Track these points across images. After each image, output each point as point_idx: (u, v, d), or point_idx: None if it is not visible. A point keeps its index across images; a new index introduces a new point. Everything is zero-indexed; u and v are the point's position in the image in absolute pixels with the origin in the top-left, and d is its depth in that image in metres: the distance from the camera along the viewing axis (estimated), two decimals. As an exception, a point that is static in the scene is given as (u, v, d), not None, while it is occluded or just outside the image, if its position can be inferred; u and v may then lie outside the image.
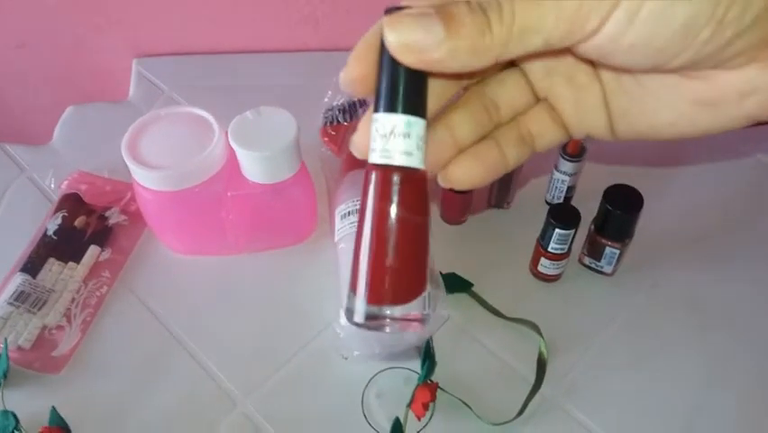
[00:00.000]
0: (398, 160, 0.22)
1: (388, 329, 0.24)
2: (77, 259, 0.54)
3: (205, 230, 0.54)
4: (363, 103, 0.64)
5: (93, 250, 0.55)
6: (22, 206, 0.60)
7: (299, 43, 0.76)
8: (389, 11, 0.21)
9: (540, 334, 0.49)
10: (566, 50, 0.22)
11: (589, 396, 0.48)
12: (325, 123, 0.63)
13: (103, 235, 0.56)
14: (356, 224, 0.50)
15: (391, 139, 0.22)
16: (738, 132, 0.65)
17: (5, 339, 0.48)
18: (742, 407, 0.47)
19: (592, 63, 0.25)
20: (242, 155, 0.48)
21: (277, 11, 0.72)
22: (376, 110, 0.23)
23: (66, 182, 0.60)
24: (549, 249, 0.51)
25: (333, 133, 0.62)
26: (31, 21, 0.72)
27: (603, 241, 0.51)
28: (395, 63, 0.21)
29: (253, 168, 0.49)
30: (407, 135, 0.22)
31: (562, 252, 0.51)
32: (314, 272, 0.54)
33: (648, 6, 0.19)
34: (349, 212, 0.52)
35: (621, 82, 0.25)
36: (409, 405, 0.45)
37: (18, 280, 0.52)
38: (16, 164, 0.64)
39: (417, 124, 0.22)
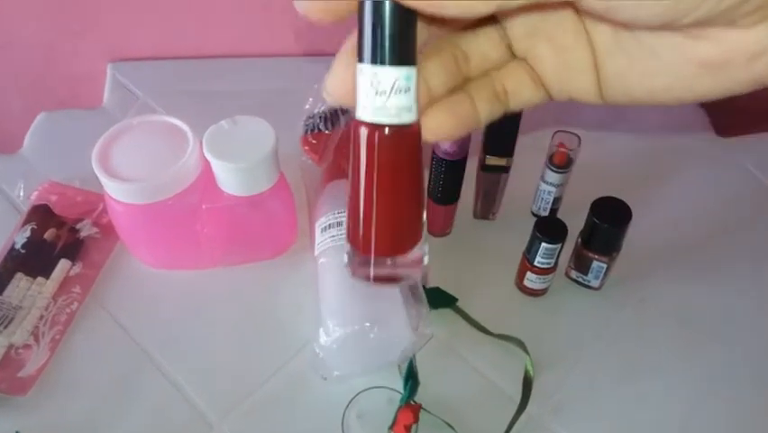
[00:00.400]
0: (403, 117, 0.21)
1: (388, 282, 0.24)
2: (47, 274, 0.52)
3: (180, 243, 0.52)
4: (345, 111, 0.62)
5: (63, 264, 0.53)
6: (-11, 217, 0.58)
7: (280, 48, 0.74)
8: None
9: (526, 351, 0.48)
10: (568, 3, 0.21)
11: (577, 415, 0.47)
12: (306, 131, 0.61)
13: (74, 249, 0.54)
14: (337, 237, 0.48)
15: (392, 96, 0.21)
16: (729, 141, 0.64)
17: (-32, 360, 0.46)
18: (733, 421, 0.46)
19: (582, 22, 0.24)
20: (218, 166, 0.47)
21: (257, 14, 0.70)
22: (370, 61, 0.21)
23: (36, 193, 0.57)
24: (535, 263, 0.50)
25: (313, 141, 0.60)
26: (2, 24, 0.70)
27: (590, 255, 0.50)
28: (391, 9, 0.20)
29: (229, 180, 0.48)
30: (408, 90, 0.21)
31: (549, 266, 0.50)
32: (292, 288, 0.52)
33: None
34: (329, 225, 0.50)
35: (619, 42, 0.23)
36: (391, 427, 0.44)
37: (-17, 296, 0.49)
38: (-16, 173, 0.61)
39: (413, 74, 0.21)
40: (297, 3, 0.21)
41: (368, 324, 0.44)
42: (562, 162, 0.53)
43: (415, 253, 0.24)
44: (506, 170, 0.54)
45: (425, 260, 0.25)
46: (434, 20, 0.22)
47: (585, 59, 0.24)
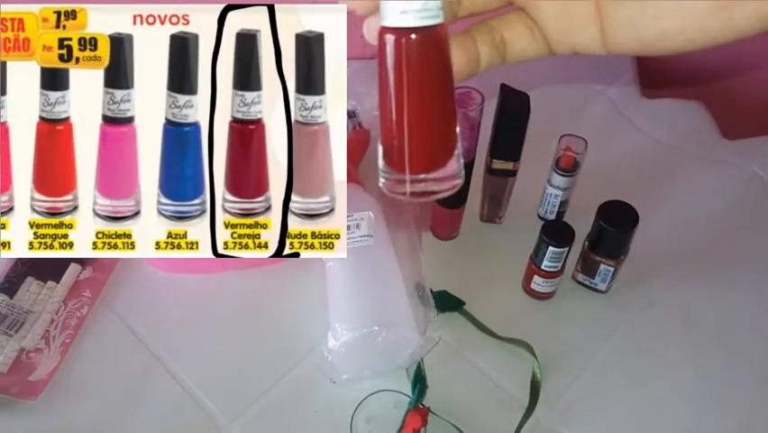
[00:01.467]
0: (432, 18, 0.21)
1: (425, 198, 0.24)
2: (57, 278, 0.53)
3: (189, 248, 0.52)
4: (353, 114, 0.62)
5: (73, 268, 0.53)
6: (0, 221, 0.58)
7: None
8: None
9: (533, 354, 0.48)
10: None
11: (584, 418, 0.47)
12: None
13: (83, 253, 0.55)
14: (348, 242, 0.49)
15: None
16: (735, 144, 0.64)
17: (-20, 364, 0.46)
18: (740, 425, 0.46)
19: None
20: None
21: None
22: None
23: (45, 197, 0.58)
24: (542, 267, 0.50)
25: (321, 145, 0.60)
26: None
27: (597, 258, 0.50)
28: None
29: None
30: None
31: (556, 269, 0.50)
32: (301, 291, 0.53)
33: None
34: (337, 228, 0.50)
35: None
36: (400, 431, 0.44)
37: (-6, 300, 0.50)
38: (-5, 178, 0.62)
39: None
40: None
41: (376, 327, 0.44)
42: (568, 166, 0.54)
43: (449, 168, 0.24)
44: (512, 173, 0.54)
45: (461, 174, 0.24)
46: None
47: (588, 6, 0.24)
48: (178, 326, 0.51)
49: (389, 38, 0.21)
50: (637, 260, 0.53)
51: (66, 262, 0.53)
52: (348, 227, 0.50)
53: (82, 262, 0.54)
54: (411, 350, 0.46)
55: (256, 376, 0.48)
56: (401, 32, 0.21)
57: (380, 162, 0.24)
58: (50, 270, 0.53)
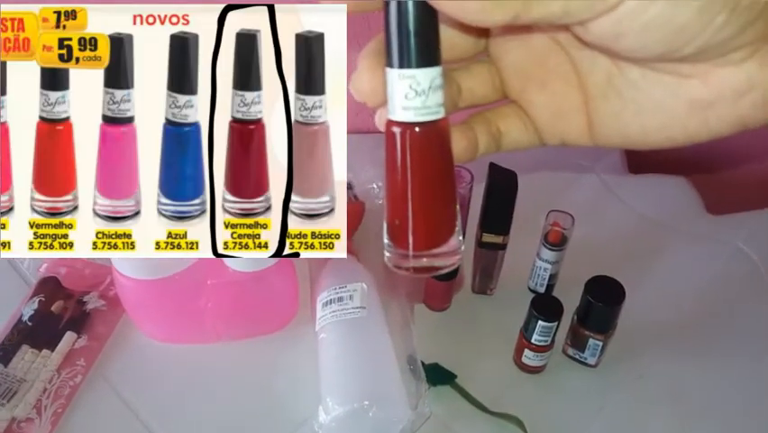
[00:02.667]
0: (438, 114, 0.22)
1: (427, 273, 0.25)
2: (52, 346, 0.53)
3: (184, 318, 0.53)
4: (349, 187, 0.64)
5: (69, 336, 0.54)
6: (-2, 288, 0.59)
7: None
8: None
9: (524, 430, 0.48)
10: (571, 33, 0.22)
11: (576, 496, 0.46)
12: (310, 206, 0.63)
13: (80, 321, 0.55)
14: (337, 312, 0.49)
15: (430, 94, 0.22)
16: (719, 219, 0.66)
17: (-30, 434, 0.46)
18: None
19: (572, 66, 0.25)
20: (224, 244, 0.48)
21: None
22: (408, 65, 0.22)
23: (45, 265, 0.59)
24: (532, 340, 0.51)
25: (317, 216, 0.62)
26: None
27: (586, 333, 0.51)
28: (413, 11, 0.21)
29: (235, 256, 0.49)
30: (441, 86, 0.22)
31: (546, 343, 0.51)
32: (293, 363, 0.53)
33: None
34: (330, 300, 0.51)
35: (612, 83, 0.24)
36: (389, 508, 0.44)
37: (-12, 369, 0.50)
38: (-4, 244, 0.63)
39: (441, 72, 0.22)
40: None
41: (367, 402, 0.44)
42: (556, 240, 0.55)
43: (451, 244, 0.25)
44: (502, 247, 0.55)
45: (461, 249, 0.25)
46: (455, 25, 0.23)
47: (576, 102, 0.25)
48: (170, 396, 0.51)
49: (395, 130, 0.23)
50: (626, 334, 0.53)
51: (61, 331, 0.54)
52: (341, 299, 0.51)
53: (78, 330, 0.54)
54: (402, 425, 0.46)
55: (246, 450, 0.48)
56: (405, 125, 0.23)
57: (385, 238, 0.25)
58: (45, 338, 0.53)
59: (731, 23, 0.20)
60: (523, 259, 0.59)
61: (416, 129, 0.22)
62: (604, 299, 0.49)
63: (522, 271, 0.59)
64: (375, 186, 0.64)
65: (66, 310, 0.56)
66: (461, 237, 0.25)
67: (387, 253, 0.25)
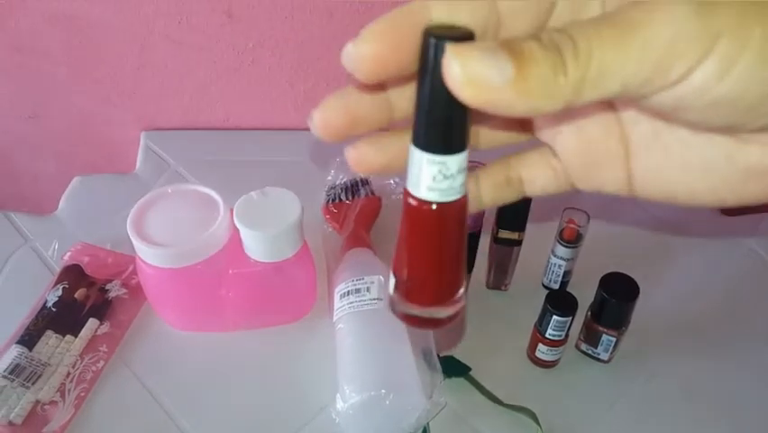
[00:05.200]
0: (458, 193, 0.22)
1: (426, 326, 0.26)
2: (75, 332, 0.54)
3: (205, 306, 0.54)
4: (366, 182, 0.65)
5: (92, 323, 0.55)
6: (23, 275, 0.60)
7: (304, 123, 0.78)
8: (432, 33, 0.19)
9: (537, 422, 0.49)
10: (635, 102, 0.19)
11: (588, 489, 0.47)
12: (328, 200, 0.64)
13: (102, 308, 0.56)
14: (355, 304, 0.50)
15: (457, 177, 0.22)
16: (733, 220, 0.66)
17: (-3, 415, 0.47)
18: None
19: (615, 115, 0.23)
20: (246, 234, 0.49)
21: (284, 92, 0.75)
22: (440, 151, 0.21)
23: (69, 253, 0.60)
24: (546, 335, 0.51)
25: (335, 210, 0.63)
26: (43, 92, 0.74)
27: (600, 328, 0.52)
28: (449, 99, 0.19)
29: (256, 246, 0.50)
30: (466, 169, 0.22)
31: (560, 338, 0.51)
32: (311, 353, 0.54)
33: (746, 58, 0.17)
34: (348, 291, 0.52)
35: (659, 137, 0.22)
36: (405, 495, 0.44)
37: (14, 352, 0.51)
38: (20, 233, 0.65)
39: (467, 155, 0.22)
40: (347, 53, 0.20)
41: (384, 390, 0.45)
42: (571, 238, 0.56)
43: (452, 306, 0.25)
44: (517, 243, 0.56)
45: (462, 302, 0.26)
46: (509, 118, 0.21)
47: (615, 152, 0.23)
48: (190, 383, 0.53)
49: (412, 202, 0.23)
50: (639, 331, 0.54)
51: (84, 318, 0.55)
52: (358, 290, 0.52)
53: (100, 317, 0.56)
54: (418, 414, 0.47)
55: (264, 436, 0.49)
56: (425, 202, 0.23)
57: (391, 289, 0.26)
58: (68, 324, 0.55)
59: None
60: (537, 255, 0.59)
61: (433, 207, 0.23)
62: (618, 295, 0.50)
63: (536, 267, 0.60)
64: (392, 181, 0.65)
65: (88, 298, 0.57)
66: (462, 289, 0.26)
67: (390, 303, 0.26)
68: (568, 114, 0.24)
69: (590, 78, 0.17)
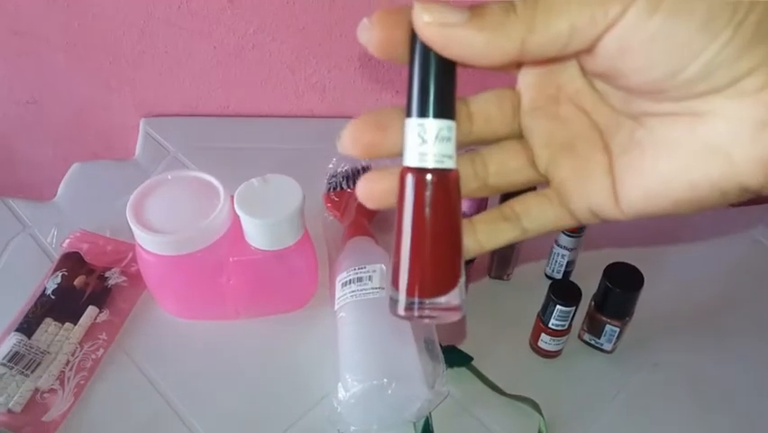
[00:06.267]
0: (444, 163, 0.24)
1: (427, 320, 0.25)
2: (75, 320, 0.54)
3: (205, 294, 0.54)
4: (367, 170, 0.65)
5: (91, 311, 0.55)
6: (22, 262, 0.60)
7: (306, 110, 0.77)
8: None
9: (540, 412, 0.49)
10: (589, 58, 0.22)
11: (590, 479, 0.47)
12: (329, 189, 0.64)
13: (101, 296, 0.56)
14: (356, 292, 0.50)
15: (437, 143, 0.23)
16: (737, 211, 0.66)
17: (-4, 402, 0.47)
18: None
19: (597, 129, 0.25)
20: (247, 222, 0.49)
21: (285, 78, 0.74)
22: (417, 115, 0.23)
23: (68, 241, 0.60)
24: (550, 325, 0.51)
25: (336, 199, 0.63)
26: (42, 78, 0.74)
27: (603, 318, 0.51)
28: (435, 67, 0.23)
29: (257, 234, 0.50)
30: (449, 139, 0.24)
31: (563, 328, 0.51)
32: (312, 341, 0.54)
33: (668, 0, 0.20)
34: (350, 280, 0.52)
35: (633, 138, 0.24)
36: (406, 485, 0.44)
37: (13, 340, 0.51)
38: (18, 220, 0.64)
39: (453, 127, 0.24)
40: (360, 33, 0.23)
41: (386, 380, 0.45)
42: (575, 227, 0.55)
43: (450, 299, 0.25)
44: (521, 232, 0.56)
45: (462, 308, 0.25)
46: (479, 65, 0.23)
47: (601, 163, 0.25)
48: (190, 372, 0.52)
49: (409, 175, 0.24)
50: (643, 321, 0.54)
51: (83, 305, 0.55)
52: (360, 279, 0.51)
53: (99, 305, 0.55)
54: (420, 404, 0.47)
55: (265, 424, 0.49)
56: (419, 171, 0.24)
57: (388, 283, 0.26)
58: (67, 311, 0.54)
59: (737, 39, 0.20)
60: (540, 245, 0.59)
61: (426, 176, 0.24)
62: (622, 284, 0.50)
63: (539, 257, 0.60)
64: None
65: (88, 285, 0.56)
66: (464, 296, 0.25)
67: (388, 298, 0.26)
68: (538, 62, 0.26)
69: (539, 15, 0.21)
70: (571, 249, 0.57)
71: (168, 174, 0.53)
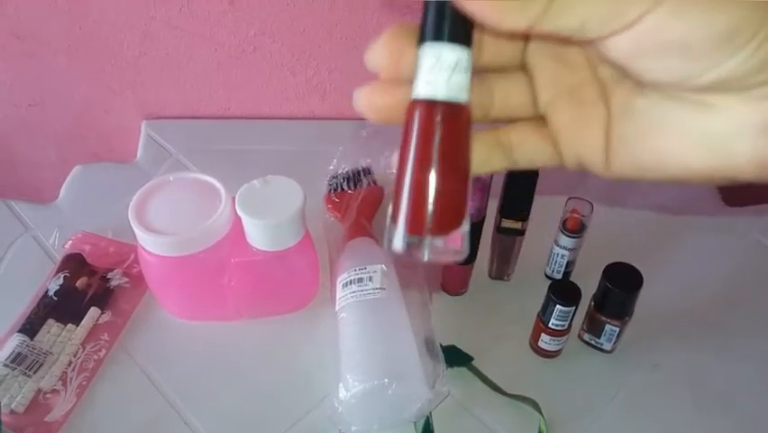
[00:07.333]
0: (460, 95, 0.22)
1: (425, 258, 0.24)
2: (77, 321, 0.54)
3: (207, 295, 0.54)
4: (368, 172, 0.65)
5: (93, 312, 0.55)
6: (24, 264, 0.60)
7: (307, 111, 0.78)
8: None
9: (540, 412, 0.49)
10: (595, 47, 0.21)
11: (590, 478, 0.47)
12: (330, 190, 0.64)
13: (103, 297, 0.56)
14: (357, 293, 0.50)
15: (455, 73, 0.22)
16: (737, 211, 0.66)
17: (-1, 403, 0.47)
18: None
19: (601, 83, 0.25)
20: (248, 223, 0.49)
21: (286, 80, 0.74)
22: (437, 39, 0.22)
23: (70, 242, 0.60)
24: (550, 325, 0.51)
25: (336, 200, 0.63)
26: (43, 80, 0.74)
27: (603, 318, 0.52)
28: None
29: (258, 235, 0.50)
30: (467, 71, 0.22)
31: (563, 328, 0.51)
32: (313, 342, 0.54)
33: (692, 5, 0.19)
34: (350, 281, 0.52)
35: (631, 104, 0.24)
36: (407, 484, 0.44)
37: (15, 341, 0.51)
38: (21, 222, 0.64)
39: (470, 58, 0.23)
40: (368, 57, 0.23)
41: (387, 379, 0.45)
42: (575, 227, 0.55)
43: (455, 238, 0.24)
44: (521, 232, 0.56)
45: (463, 249, 0.24)
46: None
47: (599, 116, 0.24)
48: (191, 372, 0.52)
49: (420, 105, 0.23)
50: (642, 321, 0.54)
51: (86, 307, 0.55)
52: (360, 279, 0.51)
53: (102, 306, 0.56)
54: (420, 403, 0.47)
55: (267, 424, 0.49)
56: (431, 103, 0.22)
57: (387, 221, 0.24)
58: (70, 312, 0.54)
59: (756, 56, 0.19)
60: (540, 245, 0.59)
61: (438, 106, 0.22)
62: (622, 284, 0.50)
63: (539, 257, 0.60)
64: (395, 171, 0.64)
65: (90, 287, 0.57)
66: (466, 239, 0.24)
67: (386, 240, 0.24)
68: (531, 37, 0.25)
69: (556, 5, 0.20)
70: (571, 249, 0.57)
71: (169, 176, 0.53)
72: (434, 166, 0.23)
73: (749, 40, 0.19)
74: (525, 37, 0.26)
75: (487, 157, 0.27)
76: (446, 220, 0.23)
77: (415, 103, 0.23)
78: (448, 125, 0.23)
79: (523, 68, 0.27)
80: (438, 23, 0.22)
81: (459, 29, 0.22)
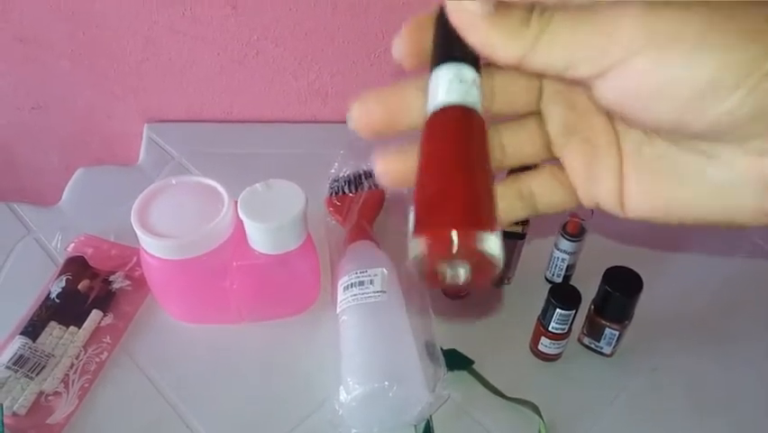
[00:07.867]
0: (476, 104, 0.23)
1: (458, 276, 0.21)
2: (79, 323, 0.54)
3: (209, 299, 0.54)
4: (369, 175, 0.65)
5: (95, 315, 0.55)
6: (26, 266, 0.61)
7: (309, 115, 0.78)
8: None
9: (540, 415, 0.49)
10: (588, 93, 0.22)
11: (590, 482, 0.47)
12: (331, 193, 0.64)
13: (106, 300, 0.57)
14: (358, 296, 0.50)
15: (471, 88, 0.23)
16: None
17: (1, 405, 0.47)
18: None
19: (613, 129, 0.25)
20: (250, 226, 0.49)
21: (288, 84, 0.75)
22: (454, 59, 0.23)
23: (72, 245, 0.60)
24: (550, 328, 0.51)
25: (338, 203, 0.63)
26: (46, 84, 0.74)
27: (603, 322, 0.52)
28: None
29: (260, 238, 0.50)
30: (479, 88, 0.23)
31: (563, 331, 0.51)
32: (314, 345, 0.54)
33: (677, 50, 0.19)
34: (351, 284, 0.52)
35: (641, 152, 0.24)
36: (407, 487, 0.45)
37: (18, 343, 0.52)
38: (23, 224, 0.65)
39: (479, 79, 0.23)
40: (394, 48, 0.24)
41: (387, 383, 0.45)
42: (575, 231, 0.56)
43: (490, 243, 0.20)
44: (522, 236, 0.56)
45: (498, 261, 0.21)
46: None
47: (612, 162, 0.25)
48: (193, 375, 0.53)
49: (440, 112, 0.23)
50: (642, 325, 0.54)
51: (88, 309, 0.55)
52: (362, 283, 0.52)
53: (104, 308, 0.56)
54: (421, 407, 0.47)
55: (268, 427, 0.49)
56: (450, 107, 0.23)
57: (410, 227, 0.22)
58: (72, 315, 0.55)
59: (747, 104, 0.19)
60: (540, 249, 0.59)
61: (458, 109, 0.23)
62: (622, 288, 0.50)
63: (539, 261, 0.60)
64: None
65: (92, 289, 0.57)
66: (498, 231, 0.21)
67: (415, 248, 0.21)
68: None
69: (545, 39, 0.20)
70: (571, 253, 0.57)
71: (172, 179, 0.53)
72: (468, 167, 0.22)
73: (733, 88, 0.19)
74: (538, 84, 0.26)
75: (509, 209, 0.27)
76: (486, 218, 0.21)
77: (437, 112, 0.23)
78: (468, 123, 0.23)
79: (537, 112, 0.27)
80: (456, 46, 0.23)
81: (472, 55, 0.23)
